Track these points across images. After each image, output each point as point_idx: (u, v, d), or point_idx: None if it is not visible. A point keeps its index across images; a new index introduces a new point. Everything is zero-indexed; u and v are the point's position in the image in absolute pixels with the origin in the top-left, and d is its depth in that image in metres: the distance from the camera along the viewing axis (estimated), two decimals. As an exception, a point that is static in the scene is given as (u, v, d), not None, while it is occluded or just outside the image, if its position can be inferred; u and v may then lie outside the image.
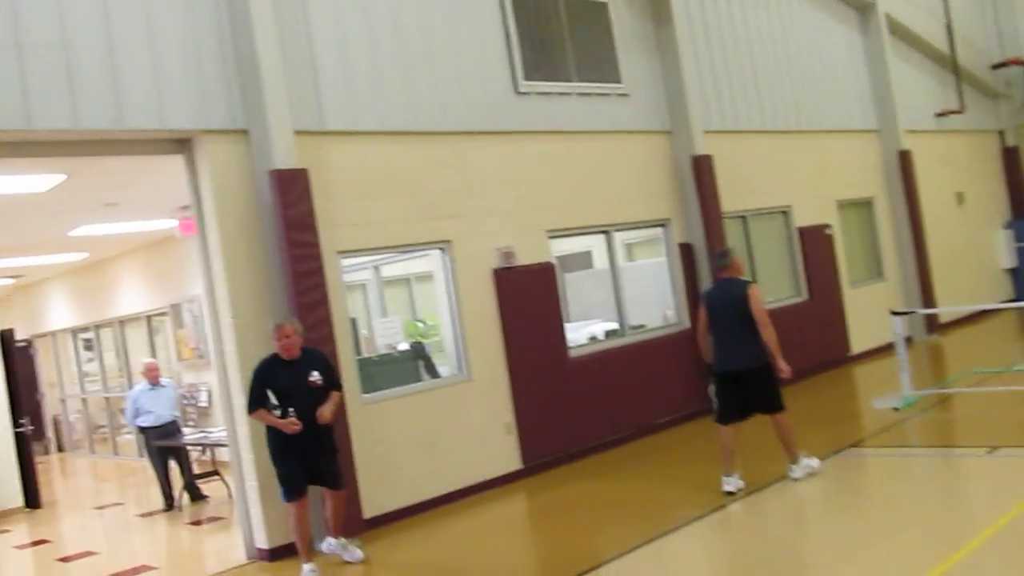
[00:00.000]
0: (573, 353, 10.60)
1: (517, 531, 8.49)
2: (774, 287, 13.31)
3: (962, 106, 18.25)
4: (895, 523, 6.70)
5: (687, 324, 11.71)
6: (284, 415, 7.06)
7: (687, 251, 12.07)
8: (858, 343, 14.70)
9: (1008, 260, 19.46)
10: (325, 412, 7.13)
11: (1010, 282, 19.64)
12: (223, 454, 10.26)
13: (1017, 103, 20.21)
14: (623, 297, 11.48)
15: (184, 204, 9.18)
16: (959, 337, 16.18)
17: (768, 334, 7.64)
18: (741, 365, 7.78)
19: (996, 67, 19.66)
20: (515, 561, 7.36)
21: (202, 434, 11.71)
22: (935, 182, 17.32)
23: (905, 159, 16.28)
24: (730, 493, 7.78)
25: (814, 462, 8.09)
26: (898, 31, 16.92)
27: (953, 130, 18.45)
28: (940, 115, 17.97)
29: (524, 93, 10.45)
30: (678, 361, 11.52)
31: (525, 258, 10.14)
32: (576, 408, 10.33)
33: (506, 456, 9.71)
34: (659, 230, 12.16)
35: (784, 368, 7.65)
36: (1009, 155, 20.23)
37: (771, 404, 7.86)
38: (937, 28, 17.84)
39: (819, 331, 13.82)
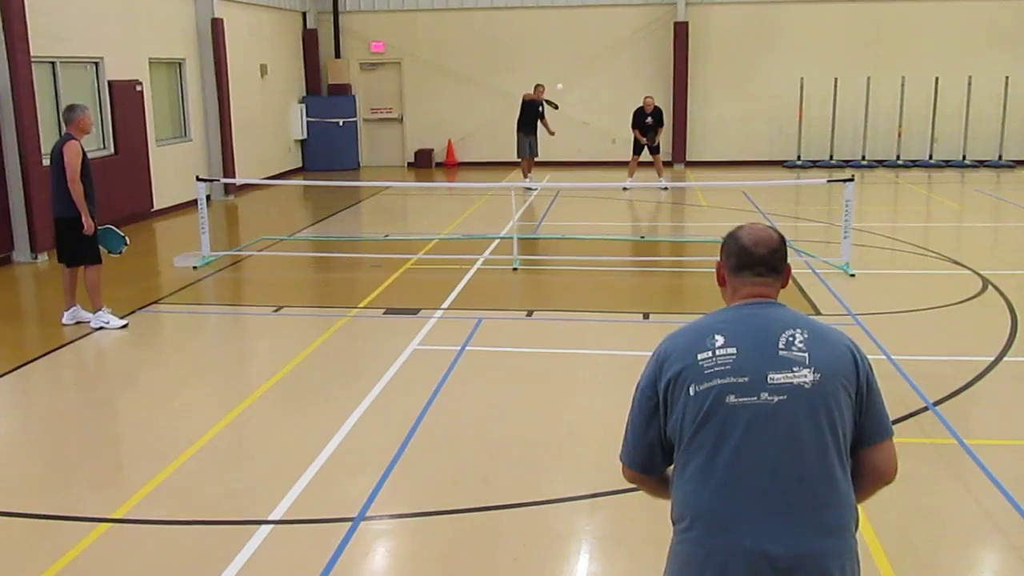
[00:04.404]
0: None
1: None
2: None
3: (272, -18, 19.45)
4: (196, 374, 7.61)
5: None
6: None
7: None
8: (161, 199, 15.25)
9: (300, 132, 21.51)
10: None
11: (300, 152, 21.79)
12: None
13: (319, -11, 22.12)
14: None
15: None
16: (253, 200, 17.65)
17: (73, 190, 8.25)
18: (58, 213, 8.47)
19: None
20: None
21: None
22: (242, 53, 18.32)
23: (218, 26, 16.93)
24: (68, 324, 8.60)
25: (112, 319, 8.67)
26: None
27: (262, 5, 19.59)
28: (251, -13, 18.93)
29: None
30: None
31: None
32: None
33: None
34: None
35: (87, 224, 8.33)
36: (310, 36, 22.11)
37: (73, 256, 8.52)
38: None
39: (124, 185, 14.01)
